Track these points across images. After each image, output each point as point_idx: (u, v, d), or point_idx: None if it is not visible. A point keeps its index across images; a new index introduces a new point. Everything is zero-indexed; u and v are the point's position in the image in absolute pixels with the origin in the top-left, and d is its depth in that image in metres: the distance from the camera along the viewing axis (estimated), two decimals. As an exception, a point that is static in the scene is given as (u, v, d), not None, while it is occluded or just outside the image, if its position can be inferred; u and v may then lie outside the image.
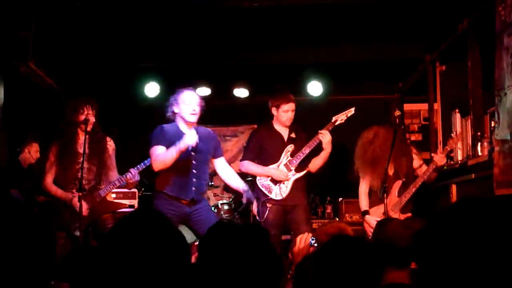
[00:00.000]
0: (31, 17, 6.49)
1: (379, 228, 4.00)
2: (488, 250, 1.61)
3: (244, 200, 6.71)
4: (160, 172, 6.41)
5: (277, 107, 7.24)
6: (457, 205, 1.76)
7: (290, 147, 7.20)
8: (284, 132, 7.30)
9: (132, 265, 1.92)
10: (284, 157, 7.16)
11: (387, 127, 6.98)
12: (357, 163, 7.12)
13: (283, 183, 7.08)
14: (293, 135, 7.30)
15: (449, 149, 7.02)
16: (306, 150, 7.10)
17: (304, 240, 4.35)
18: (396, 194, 6.86)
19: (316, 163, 7.22)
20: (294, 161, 7.12)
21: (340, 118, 7.19)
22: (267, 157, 7.22)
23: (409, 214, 6.85)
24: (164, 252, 1.96)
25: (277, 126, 7.33)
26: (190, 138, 6.11)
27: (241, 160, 7.50)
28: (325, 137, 6.99)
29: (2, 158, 7.42)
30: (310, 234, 4.45)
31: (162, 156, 6.23)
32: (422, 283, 1.72)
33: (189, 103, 6.36)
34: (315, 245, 4.42)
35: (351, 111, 7.22)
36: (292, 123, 7.31)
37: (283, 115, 7.20)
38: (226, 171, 6.76)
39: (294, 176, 7.13)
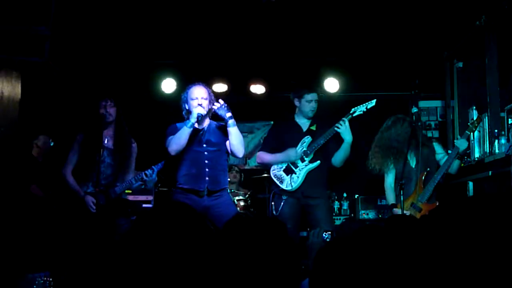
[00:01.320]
0: (49, 13, 6.51)
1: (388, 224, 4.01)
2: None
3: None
4: (174, 168, 6.48)
5: (300, 97, 7.12)
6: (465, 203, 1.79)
7: (307, 138, 7.05)
8: (304, 125, 7.18)
9: (160, 256, 1.93)
10: (300, 148, 7.01)
11: (403, 116, 6.98)
12: (377, 156, 7.07)
13: (295, 173, 6.96)
14: (313, 127, 7.16)
15: (469, 133, 6.92)
16: (320, 141, 6.94)
17: (317, 235, 4.35)
18: (422, 185, 6.81)
19: (338, 157, 7.02)
20: (308, 152, 6.99)
21: (359, 110, 6.98)
22: (283, 149, 7.09)
23: (436, 204, 6.81)
24: (192, 243, 1.98)
25: (299, 119, 7.22)
26: (196, 110, 6.33)
27: (259, 150, 7.45)
28: (341, 126, 6.85)
29: (18, 153, 7.47)
30: (323, 230, 4.44)
31: (175, 136, 6.36)
32: None
33: (195, 97, 6.44)
34: (328, 240, 4.42)
35: (372, 103, 6.98)
36: (315, 116, 7.19)
37: (306, 105, 7.07)
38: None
39: (306, 166, 6.98)
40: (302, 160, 6.99)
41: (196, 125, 6.40)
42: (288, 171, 7.01)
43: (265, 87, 10.43)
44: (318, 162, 7.00)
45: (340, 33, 8.73)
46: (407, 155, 6.74)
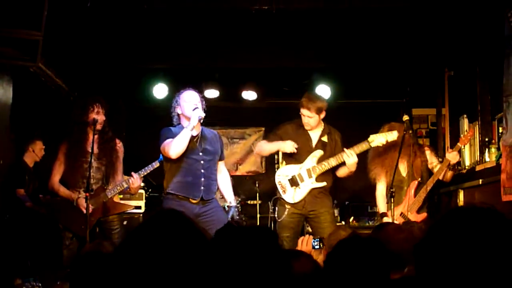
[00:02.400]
0: (41, 17, 6.49)
1: (375, 232, 4.02)
2: (484, 257, 1.62)
3: (229, 217, 6.71)
4: (168, 174, 6.45)
5: (300, 105, 6.93)
6: (450, 215, 1.78)
7: (319, 153, 6.88)
8: (315, 134, 6.99)
9: (155, 266, 1.92)
10: (309, 161, 6.87)
11: (399, 124, 6.95)
12: (371, 163, 7.08)
13: (299, 188, 6.85)
14: (325, 138, 6.98)
15: (461, 145, 6.94)
16: (332, 163, 6.78)
17: (306, 242, 4.35)
18: (413, 194, 6.82)
19: (340, 173, 6.96)
20: (317, 169, 6.83)
21: (378, 141, 6.71)
22: (290, 155, 6.95)
23: (425, 214, 6.82)
24: (187, 253, 1.97)
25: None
26: (196, 112, 6.29)
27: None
28: (349, 159, 6.66)
29: (9, 158, 7.44)
30: (311, 237, 4.43)
31: (176, 139, 6.29)
32: None
33: (189, 100, 6.43)
34: (317, 247, 4.42)
35: (393, 135, 6.70)
36: (326, 126, 7.02)
37: (302, 118, 6.90)
38: (222, 176, 6.79)
39: (312, 185, 6.84)
40: (309, 176, 6.87)
41: (202, 114, 6.37)
42: (293, 183, 6.88)
43: (257, 93, 10.44)
44: (325, 183, 6.88)
45: (332, 40, 8.74)
46: (398, 163, 6.72)
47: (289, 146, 6.84)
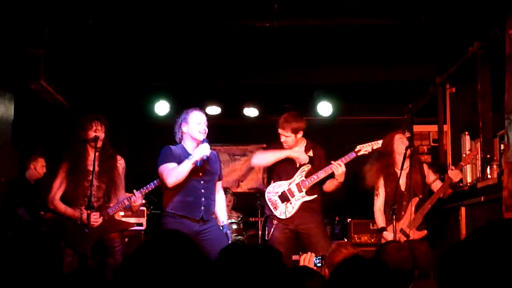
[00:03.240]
0: (43, 34, 6.52)
1: (378, 251, 4.02)
2: None
3: None
4: (167, 193, 6.41)
5: (276, 125, 7.07)
6: (483, 229, 1.75)
7: (307, 167, 6.95)
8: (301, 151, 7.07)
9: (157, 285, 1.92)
10: (298, 176, 6.94)
11: (398, 133, 6.98)
12: (369, 175, 7.09)
13: (290, 203, 6.89)
14: (310, 153, 7.05)
15: (464, 165, 6.96)
16: (320, 175, 6.86)
17: (308, 260, 4.33)
18: (413, 211, 6.81)
19: (327, 187, 7.01)
20: (307, 183, 6.90)
21: (364, 149, 6.91)
22: (280, 173, 7.03)
23: (425, 232, 6.82)
24: (189, 273, 1.96)
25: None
26: (204, 149, 6.20)
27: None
28: (338, 169, 6.75)
29: (11, 175, 7.44)
30: (313, 254, 4.41)
31: (175, 170, 6.24)
32: None
33: (199, 122, 6.38)
34: (319, 265, 4.40)
35: (378, 143, 6.92)
36: (309, 142, 7.10)
37: (280, 137, 7.01)
38: (218, 196, 6.73)
39: (303, 198, 6.90)
40: (299, 190, 6.92)
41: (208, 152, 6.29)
42: (284, 198, 6.93)
43: (259, 110, 10.45)
44: (315, 196, 6.94)
45: (333, 57, 8.76)
46: (399, 179, 6.73)
47: (301, 154, 6.94)
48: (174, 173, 6.26)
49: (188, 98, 9.38)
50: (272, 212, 6.93)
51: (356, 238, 9.40)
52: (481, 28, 7.04)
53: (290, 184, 6.96)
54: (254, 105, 10.46)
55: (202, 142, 6.32)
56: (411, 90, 9.67)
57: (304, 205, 6.93)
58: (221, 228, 6.58)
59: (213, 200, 6.56)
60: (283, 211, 6.88)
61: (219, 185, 6.74)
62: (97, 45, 8.04)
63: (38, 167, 8.76)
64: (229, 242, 6.53)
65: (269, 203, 6.98)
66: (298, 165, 6.98)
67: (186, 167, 6.20)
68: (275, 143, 7.16)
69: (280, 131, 6.95)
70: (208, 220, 6.42)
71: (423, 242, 6.76)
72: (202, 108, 6.83)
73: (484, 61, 7.22)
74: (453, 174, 6.80)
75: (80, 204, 6.50)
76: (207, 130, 6.39)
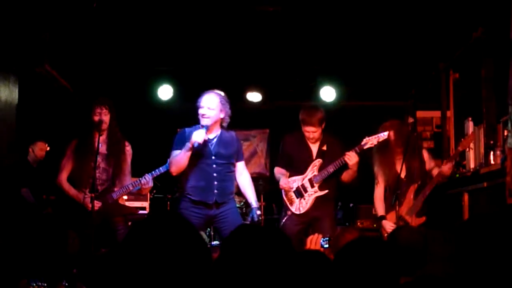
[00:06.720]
0: (47, 19, 6.52)
1: (393, 236, 4.03)
2: None
3: (249, 219, 6.74)
4: (182, 178, 6.44)
5: (301, 122, 6.96)
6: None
7: (318, 162, 6.91)
8: (315, 144, 7.01)
9: (151, 267, 1.93)
10: (310, 171, 6.91)
11: (391, 122, 6.95)
12: (374, 161, 7.08)
13: (304, 198, 6.89)
14: (324, 147, 6.99)
15: (461, 149, 6.94)
16: (331, 169, 6.80)
17: (315, 242, 4.35)
18: (412, 198, 6.81)
19: (344, 177, 6.94)
20: (318, 177, 6.87)
21: (370, 142, 6.78)
22: (294, 167, 7.01)
23: (424, 218, 6.81)
24: (184, 254, 1.97)
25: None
26: (197, 135, 6.17)
27: (275, 165, 7.39)
28: (351, 159, 6.66)
29: (15, 158, 7.46)
30: (321, 236, 4.43)
31: (174, 159, 6.30)
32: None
33: (201, 106, 6.38)
34: (326, 246, 4.42)
35: (385, 135, 6.78)
36: (325, 135, 7.02)
37: (305, 134, 6.95)
38: (241, 177, 6.71)
39: (315, 193, 6.89)
40: (312, 185, 6.90)
41: (206, 136, 6.27)
42: (299, 194, 6.93)
43: (262, 94, 10.45)
44: (327, 191, 6.91)
45: (337, 42, 8.75)
46: (399, 164, 6.72)
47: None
48: (173, 162, 6.33)
49: (191, 83, 9.38)
50: (289, 208, 6.96)
51: (359, 223, 9.41)
52: (486, 13, 7.02)
53: (303, 179, 6.94)
54: (257, 89, 10.46)
55: (203, 127, 6.33)
56: (415, 75, 9.66)
57: (318, 198, 6.92)
58: (253, 209, 6.55)
59: (228, 182, 6.52)
60: (298, 206, 6.89)
61: (240, 166, 6.69)
62: (100, 29, 8.03)
63: (37, 150, 8.81)
64: (253, 220, 6.55)
65: (285, 199, 7.00)
66: (311, 159, 6.95)
67: (182, 155, 6.24)
68: (282, 152, 7.17)
69: (307, 128, 6.85)
70: (224, 203, 6.43)
71: (421, 228, 6.76)
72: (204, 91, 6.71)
73: (487, 47, 7.21)
74: (445, 169, 6.77)
75: (85, 186, 6.53)
76: (208, 115, 6.37)
